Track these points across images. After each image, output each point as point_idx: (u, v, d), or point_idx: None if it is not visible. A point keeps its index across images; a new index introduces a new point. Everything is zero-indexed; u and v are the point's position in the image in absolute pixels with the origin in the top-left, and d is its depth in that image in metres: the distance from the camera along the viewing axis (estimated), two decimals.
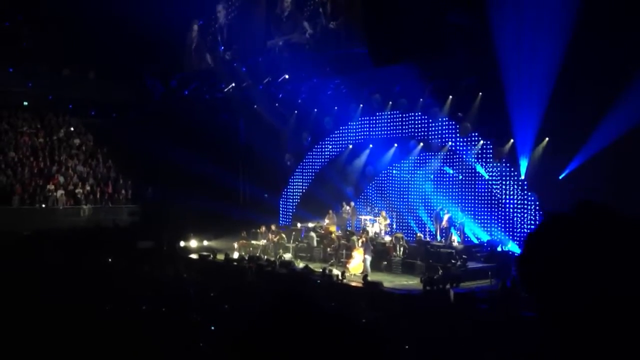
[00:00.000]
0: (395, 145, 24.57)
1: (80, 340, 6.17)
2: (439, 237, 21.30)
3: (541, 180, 19.42)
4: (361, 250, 19.51)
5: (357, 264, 19.42)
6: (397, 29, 19.61)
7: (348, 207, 24.38)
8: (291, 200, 28.61)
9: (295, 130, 27.99)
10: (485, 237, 21.43)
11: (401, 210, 24.47)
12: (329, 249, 21.76)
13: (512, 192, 20.53)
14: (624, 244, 1.50)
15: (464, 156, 22.15)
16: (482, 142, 21.50)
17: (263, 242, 23.23)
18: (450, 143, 22.58)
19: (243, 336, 1.64)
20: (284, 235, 23.39)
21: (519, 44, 17.81)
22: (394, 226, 23.81)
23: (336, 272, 18.51)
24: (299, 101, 27.37)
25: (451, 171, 22.91)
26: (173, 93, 30.17)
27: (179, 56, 29.44)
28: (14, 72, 31.50)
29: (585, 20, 15.72)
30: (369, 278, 17.58)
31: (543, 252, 1.59)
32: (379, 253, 20.32)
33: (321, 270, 18.58)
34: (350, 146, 26.37)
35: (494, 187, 21.22)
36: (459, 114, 21.92)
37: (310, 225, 24.18)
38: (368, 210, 24.94)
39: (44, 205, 27.96)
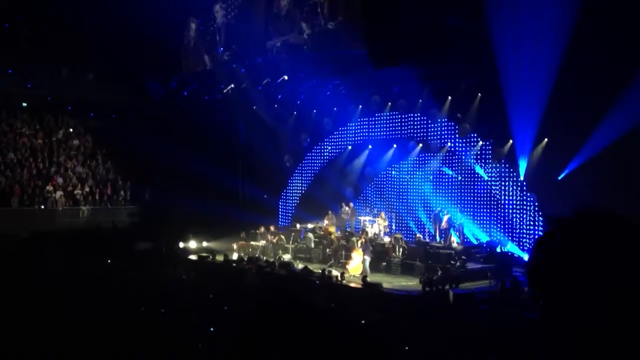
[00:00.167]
0: (395, 146, 24.57)
1: (79, 341, 6.16)
2: (438, 238, 21.30)
3: (540, 181, 19.43)
4: (360, 251, 19.51)
5: (357, 264, 19.41)
6: (396, 30, 19.60)
7: (347, 208, 24.37)
8: (290, 201, 28.62)
9: (295, 131, 27.99)
10: (484, 238, 21.44)
11: (400, 211, 24.47)
12: (327, 250, 21.76)
13: (511, 193, 20.54)
14: (628, 249, 1.51)
15: (463, 157, 22.16)
16: (481, 142, 21.51)
17: (262, 243, 23.22)
18: (449, 144, 22.60)
19: (242, 337, 1.64)
20: (283, 236, 23.39)
21: (518, 45, 17.82)
22: (393, 227, 23.82)
23: (335, 273, 18.51)
24: (298, 102, 27.37)
25: (450, 172, 22.92)
26: (172, 94, 30.15)
27: (178, 56, 29.42)
28: (13, 73, 31.47)
29: (584, 21, 15.73)
30: (368, 279, 17.58)
31: (552, 256, 1.59)
32: (378, 254, 20.32)
33: (320, 271, 18.58)
34: (350, 147, 26.38)
35: (493, 187, 21.23)
36: (458, 114, 21.94)
37: (310, 226, 24.18)
38: (367, 211, 24.95)
39: (42, 207, 27.93)
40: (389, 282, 18.10)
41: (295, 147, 28.26)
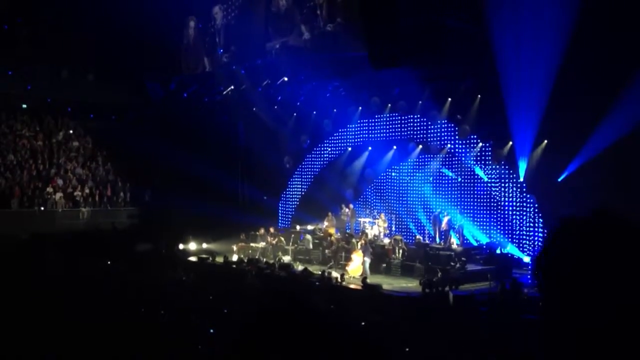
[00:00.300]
0: (394, 147, 24.58)
1: (79, 343, 6.15)
2: (438, 240, 21.30)
3: (540, 182, 19.43)
4: (360, 252, 19.51)
5: (356, 266, 19.41)
6: (395, 31, 19.61)
7: (347, 210, 24.37)
8: (290, 203, 28.61)
9: (294, 132, 27.99)
10: (484, 240, 21.44)
11: (400, 212, 24.47)
12: (327, 251, 21.77)
13: (511, 195, 20.54)
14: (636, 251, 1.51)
15: (463, 158, 22.16)
16: (481, 144, 21.51)
17: (262, 244, 23.22)
18: (449, 145, 22.60)
19: (242, 339, 1.64)
20: (282, 238, 23.38)
21: (518, 47, 17.83)
22: (393, 228, 23.82)
23: (335, 274, 18.50)
24: (298, 103, 27.37)
25: (450, 173, 22.92)
26: (172, 95, 30.16)
27: (177, 58, 29.42)
28: (13, 74, 31.46)
29: (583, 22, 15.74)
30: (368, 280, 17.58)
31: (561, 256, 1.59)
32: (378, 255, 20.32)
33: (320, 272, 18.58)
34: (349, 148, 26.38)
35: (493, 189, 21.23)
36: (458, 116, 21.94)
37: (310, 227, 24.19)
38: (367, 212, 24.96)
39: (42, 208, 27.93)
40: (389, 283, 18.09)
41: (295, 148, 28.26)
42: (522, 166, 19.62)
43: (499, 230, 21.10)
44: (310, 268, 19.68)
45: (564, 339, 1.57)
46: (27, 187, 28.60)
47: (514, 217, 20.34)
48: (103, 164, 32.48)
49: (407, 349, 9.31)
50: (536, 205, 19.19)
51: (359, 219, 24.10)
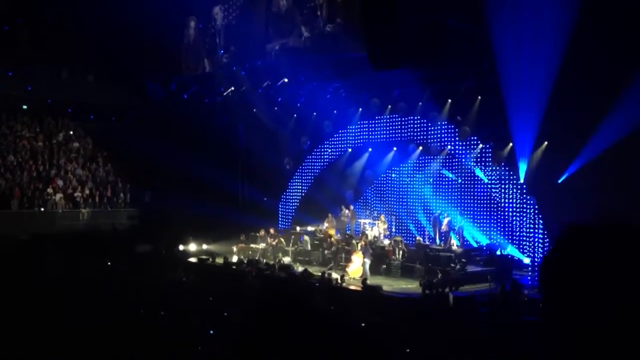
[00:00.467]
0: (395, 148, 24.57)
1: (79, 344, 6.15)
2: (438, 241, 21.30)
3: (540, 183, 19.40)
4: (360, 254, 19.51)
5: (357, 267, 19.41)
6: (395, 32, 19.61)
7: (347, 211, 24.37)
8: (290, 204, 28.60)
9: (295, 133, 27.97)
10: (484, 241, 21.43)
11: (400, 213, 24.46)
12: (327, 252, 21.78)
13: (511, 196, 20.52)
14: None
15: (463, 160, 22.15)
16: (481, 145, 21.50)
17: (262, 245, 23.21)
18: (449, 147, 22.59)
19: (242, 340, 1.63)
20: (282, 239, 23.38)
21: (518, 48, 17.82)
22: (393, 230, 23.82)
23: (335, 275, 18.50)
24: (298, 105, 27.36)
25: (450, 175, 22.91)
26: (172, 96, 30.16)
27: (178, 59, 29.43)
28: (13, 75, 31.48)
29: (583, 23, 15.74)
30: (368, 282, 17.58)
31: (566, 262, 1.59)
32: (378, 257, 20.31)
33: (320, 274, 18.57)
34: (350, 150, 26.37)
35: (493, 190, 21.22)
36: (458, 117, 21.92)
37: (310, 229, 24.18)
38: (367, 213, 24.95)
39: (42, 209, 27.93)
40: (389, 284, 18.09)
41: (295, 149, 28.24)
42: (523, 167, 19.60)
43: (499, 232, 21.09)
44: (310, 269, 19.69)
45: (565, 340, 1.57)
46: (27, 187, 28.61)
47: (514, 218, 20.32)
48: (103, 164, 32.49)
49: (408, 350, 9.30)
50: (536, 206, 19.17)
51: (359, 220, 24.10)
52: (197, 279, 18.18)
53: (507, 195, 20.66)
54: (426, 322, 12.32)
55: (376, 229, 22.57)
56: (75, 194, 29.31)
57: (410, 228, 23.95)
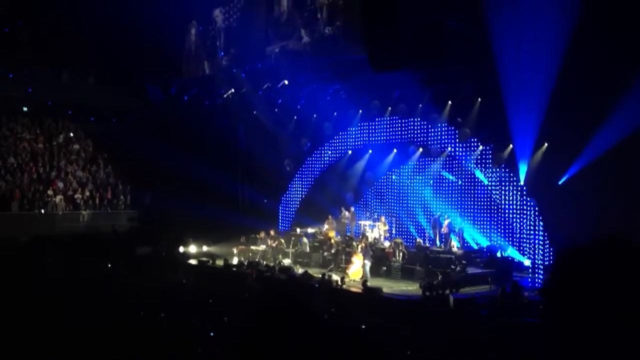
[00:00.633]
0: (395, 150, 24.57)
1: (79, 346, 6.15)
2: (438, 243, 21.28)
3: (541, 185, 19.40)
4: (360, 255, 19.50)
5: (357, 269, 19.40)
6: (396, 33, 19.62)
7: (347, 213, 24.37)
8: (290, 206, 28.60)
9: (295, 135, 27.98)
10: (484, 243, 21.42)
11: (400, 215, 24.45)
12: (326, 254, 21.78)
13: (511, 198, 20.51)
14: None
15: (463, 161, 22.15)
16: (481, 147, 21.50)
17: (262, 247, 23.21)
18: (449, 148, 22.58)
19: (242, 341, 1.63)
20: (283, 241, 23.37)
21: (518, 49, 17.82)
22: (394, 231, 23.81)
23: (335, 277, 18.49)
24: (299, 107, 27.37)
25: (450, 176, 22.91)
26: (172, 99, 30.18)
27: (178, 62, 29.46)
28: (14, 77, 31.51)
29: (583, 24, 15.74)
30: (368, 284, 17.57)
31: (568, 284, 1.60)
32: (379, 258, 20.30)
33: (320, 275, 18.56)
34: (350, 151, 26.37)
35: (494, 192, 21.20)
36: (458, 119, 21.92)
37: (310, 230, 24.18)
38: (367, 215, 24.93)
39: (43, 211, 27.93)
40: (389, 286, 18.08)
41: (296, 151, 28.25)
42: (523, 169, 19.60)
43: (499, 234, 21.08)
44: (310, 271, 19.68)
45: (565, 342, 1.57)
46: (28, 189, 28.61)
47: (515, 220, 20.31)
48: (103, 166, 32.51)
49: (408, 352, 9.30)
50: (536, 208, 19.16)
51: (360, 222, 24.09)
52: (197, 281, 18.19)
53: (507, 197, 20.65)
54: (426, 324, 12.31)
55: (376, 230, 22.56)
56: (76, 196, 29.31)
57: (411, 230, 23.94)
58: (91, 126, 34.54)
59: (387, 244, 21.37)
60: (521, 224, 19.99)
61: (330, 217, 24.06)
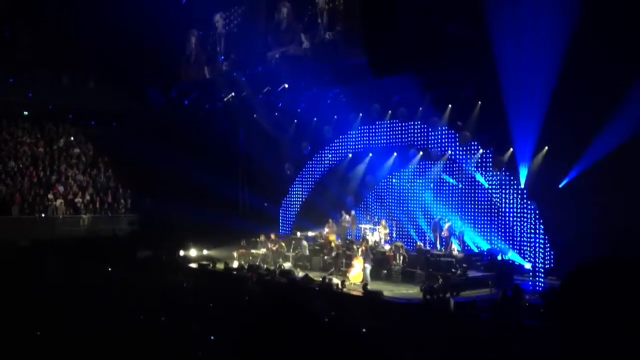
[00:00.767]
0: (395, 154, 24.57)
1: (79, 348, 6.15)
2: (439, 246, 21.27)
3: (541, 188, 19.41)
4: (361, 259, 19.50)
5: (357, 272, 19.39)
6: (396, 38, 19.65)
7: (348, 216, 24.36)
8: (291, 209, 28.60)
9: (295, 139, 28.00)
10: (485, 246, 21.41)
11: (401, 219, 24.45)
12: (327, 257, 21.77)
13: (511, 201, 20.50)
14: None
15: (464, 165, 22.15)
16: (481, 150, 21.50)
17: (263, 251, 23.20)
18: (449, 152, 22.59)
19: (242, 345, 1.64)
20: (283, 244, 23.35)
21: (518, 53, 17.85)
22: (394, 235, 23.79)
23: (336, 281, 18.48)
24: (299, 110, 27.40)
25: (451, 180, 22.91)
26: (173, 102, 30.22)
27: (178, 66, 29.50)
28: (14, 81, 31.54)
29: (583, 29, 15.77)
30: (368, 287, 17.55)
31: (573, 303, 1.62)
32: (379, 262, 20.29)
33: (321, 279, 18.55)
34: (350, 155, 26.37)
35: (494, 195, 21.20)
36: (459, 122, 21.94)
37: (310, 234, 24.17)
38: (368, 219, 24.92)
39: (43, 215, 27.94)
40: (390, 290, 18.06)
41: (296, 155, 28.26)
42: (523, 172, 19.60)
43: (499, 237, 21.06)
44: (311, 274, 19.66)
45: (565, 345, 1.58)
46: (28, 193, 28.62)
47: (515, 223, 20.30)
48: (104, 170, 32.52)
49: (408, 356, 9.29)
50: (537, 211, 19.16)
51: (360, 226, 24.08)
52: (197, 285, 18.17)
53: (507, 200, 20.64)
54: (427, 328, 12.30)
55: (377, 234, 22.55)
56: (76, 200, 29.32)
57: (411, 233, 23.94)
58: (91, 130, 34.57)
59: (387, 247, 21.36)
60: (522, 227, 19.98)
61: (330, 220, 24.04)
